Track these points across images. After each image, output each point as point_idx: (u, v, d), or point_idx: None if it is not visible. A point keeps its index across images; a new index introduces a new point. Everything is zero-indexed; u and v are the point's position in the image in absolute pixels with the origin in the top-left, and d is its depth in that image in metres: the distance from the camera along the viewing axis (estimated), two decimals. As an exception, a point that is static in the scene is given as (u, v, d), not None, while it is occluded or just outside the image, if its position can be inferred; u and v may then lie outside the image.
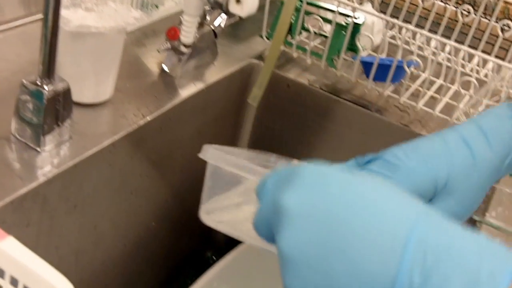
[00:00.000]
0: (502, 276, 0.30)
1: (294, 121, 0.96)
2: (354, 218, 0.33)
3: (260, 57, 0.96)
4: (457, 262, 0.30)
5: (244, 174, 0.47)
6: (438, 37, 0.89)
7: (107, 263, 0.77)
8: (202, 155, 0.50)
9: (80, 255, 0.71)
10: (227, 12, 0.65)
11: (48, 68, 0.61)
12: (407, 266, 0.31)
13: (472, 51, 0.88)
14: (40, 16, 0.85)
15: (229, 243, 1.09)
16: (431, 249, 0.31)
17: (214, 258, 1.06)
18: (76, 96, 0.67)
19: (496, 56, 0.95)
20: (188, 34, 0.61)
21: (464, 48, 0.87)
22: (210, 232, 1.08)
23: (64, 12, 0.62)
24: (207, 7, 0.78)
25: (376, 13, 0.94)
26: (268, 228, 0.37)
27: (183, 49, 0.80)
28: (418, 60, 0.90)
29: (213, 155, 0.50)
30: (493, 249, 0.32)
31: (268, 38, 0.95)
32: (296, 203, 0.34)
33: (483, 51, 0.94)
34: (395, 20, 0.94)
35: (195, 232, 1.01)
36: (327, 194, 0.34)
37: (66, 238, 0.67)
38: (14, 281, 0.40)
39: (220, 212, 0.56)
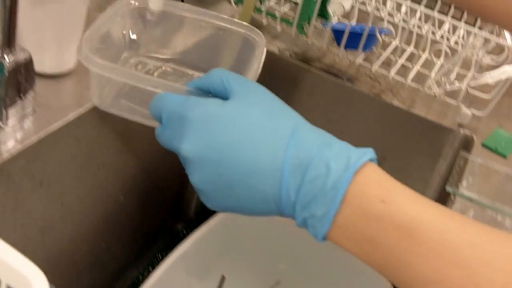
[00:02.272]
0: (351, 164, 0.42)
1: (264, 90, 0.94)
2: (242, 144, 0.44)
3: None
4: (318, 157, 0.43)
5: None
6: (408, 2, 0.88)
7: (75, 240, 0.74)
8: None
9: (47, 233, 0.68)
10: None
11: (9, 37, 0.58)
12: (289, 157, 0.43)
13: (442, 17, 0.87)
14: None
15: (199, 216, 1.07)
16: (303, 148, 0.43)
17: (185, 232, 1.04)
18: (38, 66, 0.63)
19: (466, 22, 0.95)
20: (157, 1, 0.58)
21: (434, 14, 0.86)
22: (180, 205, 1.06)
23: (22, -24, 0.58)
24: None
25: (346, -22, 0.92)
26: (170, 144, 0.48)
27: (149, 16, 0.77)
28: (391, 28, 0.89)
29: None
30: (345, 149, 0.43)
31: (236, 3, 0.93)
32: (192, 151, 0.45)
33: (453, 17, 0.94)
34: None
35: (164, 204, 0.99)
36: (215, 135, 0.44)
37: (32, 216, 0.64)
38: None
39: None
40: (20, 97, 0.61)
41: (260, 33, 0.66)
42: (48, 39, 0.66)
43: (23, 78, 0.60)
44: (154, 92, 0.53)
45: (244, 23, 0.67)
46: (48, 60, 0.67)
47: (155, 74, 0.74)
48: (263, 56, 0.62)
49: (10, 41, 0.58)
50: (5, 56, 0.58)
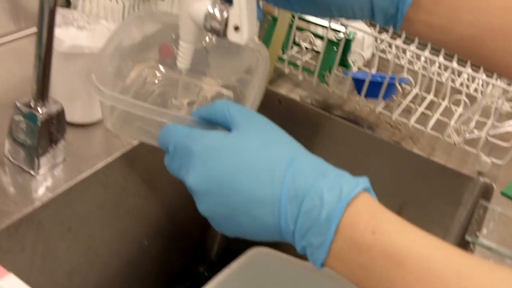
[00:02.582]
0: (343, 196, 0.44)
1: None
2: (242, 175, 0.46)
3: (251, 71, 0.96)
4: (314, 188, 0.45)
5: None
6: (426, 53, 0.89)
7: (100, 284, 0.76)
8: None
9: (74, 277, 0.70)
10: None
11: (42, 89, 0.61)
12: (286, 188, 0.45)
13: (460, 68, 0.88)
14: (31, 31, 0.85)
15: (221, 258, 1.09)
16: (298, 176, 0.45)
17: (206, 274, 1.05)
18: (68, 116, 0.66)
19: (486, 70, 0.96)
20: (184, 60, 0.60)
21: (453, 65, 0.88)
22: (202, 248, 1.07)
23: (56, 31, 0.61)
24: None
25: (367, 29, 0.94)
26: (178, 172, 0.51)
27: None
28: (410, 78, 0.91)
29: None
30: (340, 178, 0.46)
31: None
32: (197, 183, 0.48)
33: (472, 65, 0.95)
34: (383, 36, 0.94)
35: (187, 247, 1.00)
36: (217, 168, 0.47)
37: (60, 261, 0.67)
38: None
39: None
40: (52, 147, 0.63)
41: (265, 47, 0.68)
42: (79, 91, 0.69)
43: (55, 128, 0.63)
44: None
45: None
46: (78, 110, 0.70)
47: (162, 83, 0.75)
48: (266, 72, 0.64)
49: (43, 94, 0.61)
50: (38, 108, 0.61)
